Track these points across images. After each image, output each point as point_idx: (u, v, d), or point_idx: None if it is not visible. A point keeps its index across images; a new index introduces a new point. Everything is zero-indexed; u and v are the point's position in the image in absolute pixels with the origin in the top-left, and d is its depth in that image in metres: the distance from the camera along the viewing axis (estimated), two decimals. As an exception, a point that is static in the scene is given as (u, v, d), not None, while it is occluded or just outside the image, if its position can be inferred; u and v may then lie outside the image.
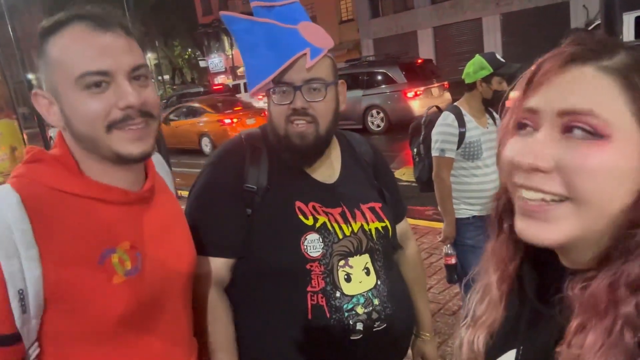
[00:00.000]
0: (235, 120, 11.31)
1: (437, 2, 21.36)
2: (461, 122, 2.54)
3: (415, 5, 21.58)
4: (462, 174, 2.60)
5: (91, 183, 0.86)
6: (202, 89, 19.19)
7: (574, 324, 0.48)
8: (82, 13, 0.85)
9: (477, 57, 2.63)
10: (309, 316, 1.16)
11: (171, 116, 12.59)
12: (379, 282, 1.23)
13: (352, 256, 1.21)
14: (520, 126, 0.55)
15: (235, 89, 19.91)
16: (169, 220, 1.00)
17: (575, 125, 0.50)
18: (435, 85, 11.36)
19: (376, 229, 1.26)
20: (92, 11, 0.86)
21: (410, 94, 10.84)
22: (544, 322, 0.55)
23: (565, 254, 0.56)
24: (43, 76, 0.86)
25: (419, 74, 11.31)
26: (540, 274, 0.61)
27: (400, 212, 1.42)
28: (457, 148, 2.54)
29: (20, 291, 0.74)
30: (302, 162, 1.23)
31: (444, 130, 2.55)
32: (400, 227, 1.41)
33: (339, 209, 1.24)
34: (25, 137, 5.21)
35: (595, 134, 0.49)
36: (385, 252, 1.28)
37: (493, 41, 19.80)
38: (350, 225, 1.23)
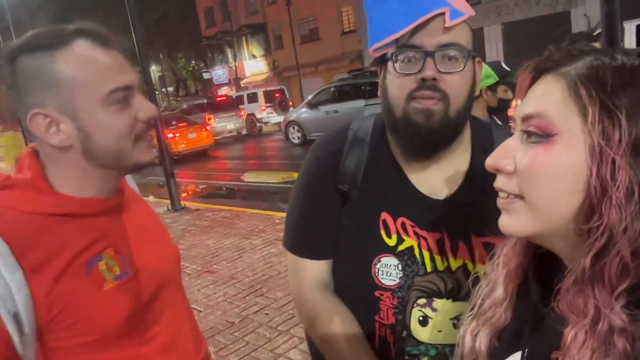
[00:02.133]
0: (177, 134, 13.80)
1: (439, 13, 21.44)
2: None
3: (417, 16, 21.66)
4: None
5: (65, 200, 0.86)
6: (206, 101, 19.26)
7: (568, 331, 0.49)
8: (84, 29, 0.84)
9: (483, 65, 2.65)
10: (376, 344, 1.00)
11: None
12: None
13: (441, 298, 0.95)
14: (522, 133, 0.59)
15: (239, 100, 20.01)
16: (146, 223, 1.02)
17: (529, 128, 0.53)
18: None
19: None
20: (92, 28, 0.85)
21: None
22: (547, 324, 0.55)
23: (561, 253, 0.57)
24: (45, 96, 0.81)
25: (421, 83, 11.32)
26: (545, 276, 0.61)
27: None
28: None
29: (15, 314, 0.74)
30: (420, 150, 0.96)
31: None
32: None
33: (438, 235, 0.96)
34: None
35: (543, 135, 0.52)
36: None
37: (495, 50, 19.86)
38: (447, 260, 0.96)
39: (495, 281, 0.67)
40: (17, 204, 0.82)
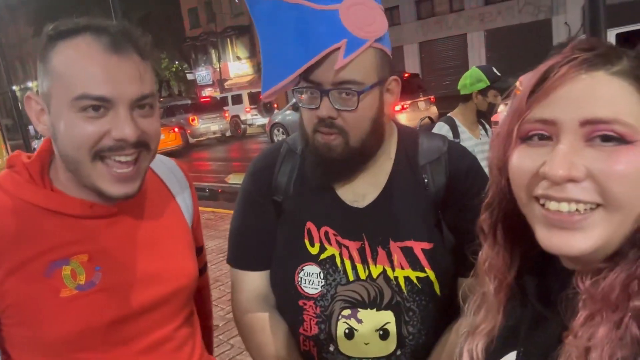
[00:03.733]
0: None
1: (423, 18, 21.67)
2: (455, 133, 2.56)
3: (402, 20, 21.86)
4: None
5: (52, 195, 0.83)
6: (189, 102, 19.13)
7: (582, 315, 0.49)
8: (97, 26, 0.79)
9: (474, 69, 2.67)
10: None
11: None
12: (399, 353, 0.94)
13: (365, 308, 0.94)
14: (530, 137, 0.54)
15: (223, 101, 19.89)
16: (157, 233, 0.93)
17: (600, 133, 0.49)
18: (422, 99, 11.47)
19: (407, 278, 0.94)
20: (108, 27, 0.79)
21: (397, 108, 10.92)
22: (545, 323, 0.55)
23: (573, 257, 0.55)
24: (40, 81, 0.80)
25: (405, 88, 11.38)
26: (541, 278, 0.61)
27: (471, 264, 0.87)
28: None
29: None
30: (325, 179, 0.98)
31: None
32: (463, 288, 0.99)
33: (359, 243, 0.96)
34: (8, 148, 5.15)
35: (622, 141, 0.49)
36: (427, 316, 0.94)
37: (477, 57, 20.10)
38: (368, 268, 0.95)
39: (485, 295, 0.66)
40: (8, 186, 0.81)
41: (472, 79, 2.61)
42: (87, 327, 0.81)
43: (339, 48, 0.85)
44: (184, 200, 1.03)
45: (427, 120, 2.83)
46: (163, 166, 1.02)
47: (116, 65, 0.77)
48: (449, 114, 2.73)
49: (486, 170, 0.89)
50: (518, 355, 0.59)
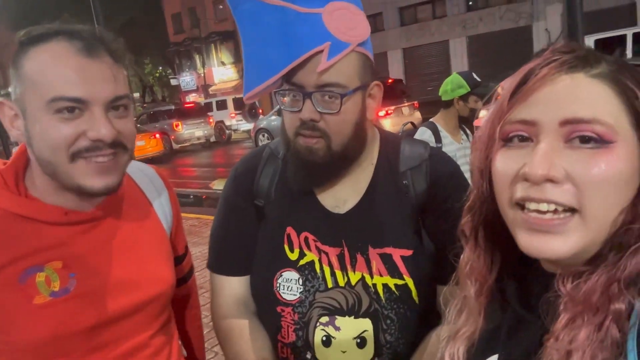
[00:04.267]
0: None
1: (406, 25, 21.89)
2: (437, 138, 2.59)
3: (385, 27, 22.05)
4: None
5: (26, 202, 0.83)
6: (173, 107, 18.99)
7: (563, 318, 0.49)
8: (70, 31, 0.80)
9: (455, 75, 2.70)
10: None
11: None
12: None
13: (343, 315, 0.93)
14: (510, 139, 0.55)
15: (207, 107, 19.79)
16: (133, 240, 0.93)
17: (580, 133, 0.49)
18: (406, 104, 11.55)
19: (385, 286, 0.92)
20: (82, 31, 0.80)
21: (381, 113, 10.99)
22: (526, 326, 0.55)
23: (554, 260, 0.55)
24: (13, 87, 0.81)
25: (389, 93, 11.48)
26: (520, 281, 0.61)
27: (450, 272, 0.80)
28: None
29: None
30: (306, 183, 0.96)
31: None
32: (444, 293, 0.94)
33: (338, 250, 0.95)
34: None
35: (601, 141, 0.49)
36: (405, 324, 0.93)
37: (460, 62, 20.36)
38: (347, 275, 0.94)
39: (466, 298, 0.66)
40: None
41: (453, 84, 2.65)
42: (60, 334, 0.80)
43: (322, 51, 0.85)
44: (161, 208, 1.02)
45: (409, 125, 2.83)
46: (141, 173, 1.02)
47: (90, 68, 0.78)
48: (430, 120, 2.77)
49: (467, 174, 0.88)
50: (499, 359, 0.59)
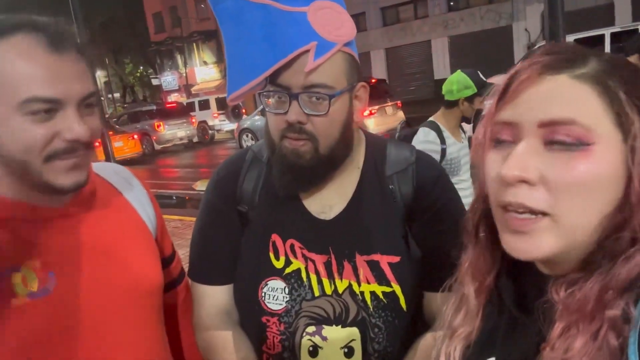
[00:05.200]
0: (97, 143, 12.90)
1: (388, 25, 22.02)
2: (442, 139, 2.49)
3: (368, 27, 22.14)
4: None
5: None
6: (154, 107, 18.77)
7: (558, 327, 0.48)
8: (35, 24, 0.75)
9: (461, 74, 2.54)
10: None
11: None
12: None
13: (330, 325, 0.91)
14: (497, 140, 0.55)
15: (190, 107, 19.60)
16: (113, 240, 0.89)
17: (557, 135, 0.49)
18: (389, 104, 11.61)
19: (373, 293, 0.91)
20: (46, 24, 0.76)
21: (365, 113, 11.00)
22: (522, 329, 0.55)
23: (546, 262, 0.55)
24: None
25: (373, 93, 11.42)
26: (518, 283, 0.60)
27: (437, 278, 0.78)
28: None
29: None
30: (292, 187, 0.93)
31: (426, 148, 2.43)
32: (434, 301, 0.93)
33: (325, 257, 0.93)
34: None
35: (579, 144, 0.48)
36: (393, 332, 0.91)
37: (442, 62, 20.57)
38: (334, 283, 0.92)
39: (465, 297, 0.65)
40: None
41: (459, 85, 2.50)
42: (42, 337, 0.77)
43: (308, 50, 0.83)
44: (142, 207, 0.99)
45: (404, 125, 2.81)
46: (110, 171, 0.99)
47: (59, 65, 0.74)
48: (430, 119, 2.63)
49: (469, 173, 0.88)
50: None
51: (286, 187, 0.93)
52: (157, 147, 16.48)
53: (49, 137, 0.75)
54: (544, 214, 0.49)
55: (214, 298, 1.01)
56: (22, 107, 0.73)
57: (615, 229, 0.48)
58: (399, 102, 12.08)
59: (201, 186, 9.37)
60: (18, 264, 0.77)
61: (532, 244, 0.50)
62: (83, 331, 0.82)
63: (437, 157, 2.46)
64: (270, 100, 0.89)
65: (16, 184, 0.80)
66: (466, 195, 2.54)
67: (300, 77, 0.84)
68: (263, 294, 0.93)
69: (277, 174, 0.92)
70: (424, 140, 2.50)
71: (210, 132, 19.19)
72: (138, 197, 0.99)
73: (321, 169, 0.91)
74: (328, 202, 0.95)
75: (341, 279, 0.91)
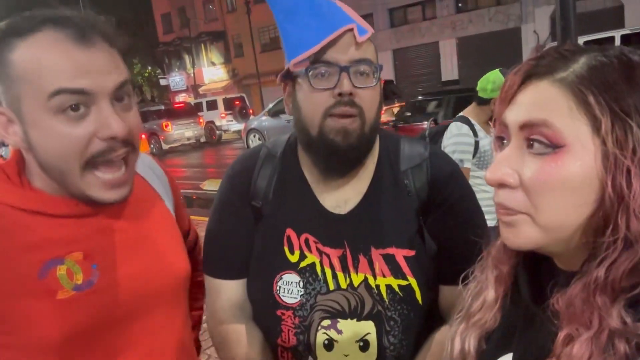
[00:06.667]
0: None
1: (396, 26, 21.99)
2: (474, 132, 2.54)
3: (376, 28, 21.85)
4: (478, 183, 2.50)
5: (33, 196, 0.78)
6: (163, 107, 18.86)
7: (561, 335, 0.49)
8: (59, 18, 0.72)
9: (498, 74, 2.55)
10: None
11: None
12: None
13: (345, 318, 0.92)
14: (502, 139, 0.57)
15: (197, 107, 19.69)
16: (147, 231, 0.89)
17: (533, 137, 0.51)
18: (397, 105, 11.61)
19: (389, 287, 0.91)
20: (72, 17, 0.73)
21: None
22: (538, 325, 0.55)
23: (557, 256, 0.57)
24: (2, 88, 0.72)
25: (380, 94, 11.52)
26: (535, 277, 0.61)
27: (452, 272, 0.80)
28: (472, 158, 2.54)
29: None
30: (338, 168, 0.94)
31: (460, 141, 2.53)
32: (449, 294, 0.94)
33: (340, 251, 0.94)
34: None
35: (552, 146, 0.50)
36: (408, 325, 0.92)
37: (450, 64, 20.51)
38: (349, 276, 0.92)
39: (485, 284, 0.66)
40: None
41: (494, 85, 2.51)
42: (87, 330, 0.77)
43: (352, 29, 0.88)
44: (167, 195, 1.00)
45: (432, 122, 2.79)
46: (142, 164, 0.98)
47: (87, 56, 0.71)
48: (461, 114, 2.69)
49: None
50: (514, 358, 0.59)
51: (331, 168, 0.94)
52: (165, 146, 16.57)
53: (86, 138, 0.72)
54: (521, 213, 0.53)
55: (228, 292, 1.02)
56: (50, 104, 0.70)
57: (598, 230, 0.49)
58: (405, 103, 12.09)
59: (209, 186, 9.39)
60: (62, 256, 0.76)
61: (513, 232, 0.54)
62: (125, 321, 0.82)
63: (470, 149, 2.51)
64: (312, 79, 0.89)
65: (54, 185, 0.79)
66: None
67: (347, 52, 0.88)
68: (278, 288, 0.94)
69: (321, 156, 0.93)
70: (458, 133, 2.55)
71: (217, 132, 19.27)
72: (162, 185, 1.00)
73: (365, 149, 0.93)
74: (343, 196, 0.96)
75: (357, 273, 0.92)
